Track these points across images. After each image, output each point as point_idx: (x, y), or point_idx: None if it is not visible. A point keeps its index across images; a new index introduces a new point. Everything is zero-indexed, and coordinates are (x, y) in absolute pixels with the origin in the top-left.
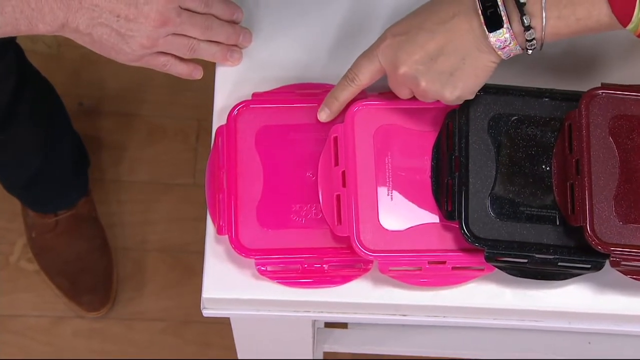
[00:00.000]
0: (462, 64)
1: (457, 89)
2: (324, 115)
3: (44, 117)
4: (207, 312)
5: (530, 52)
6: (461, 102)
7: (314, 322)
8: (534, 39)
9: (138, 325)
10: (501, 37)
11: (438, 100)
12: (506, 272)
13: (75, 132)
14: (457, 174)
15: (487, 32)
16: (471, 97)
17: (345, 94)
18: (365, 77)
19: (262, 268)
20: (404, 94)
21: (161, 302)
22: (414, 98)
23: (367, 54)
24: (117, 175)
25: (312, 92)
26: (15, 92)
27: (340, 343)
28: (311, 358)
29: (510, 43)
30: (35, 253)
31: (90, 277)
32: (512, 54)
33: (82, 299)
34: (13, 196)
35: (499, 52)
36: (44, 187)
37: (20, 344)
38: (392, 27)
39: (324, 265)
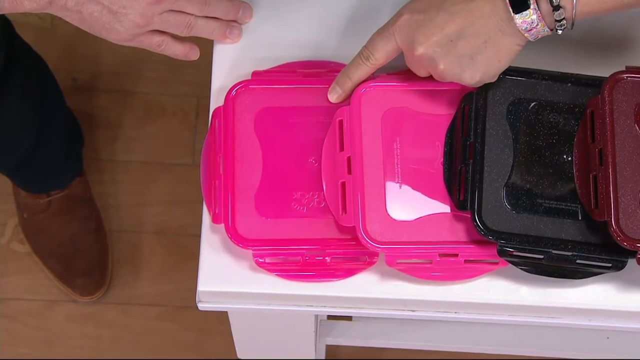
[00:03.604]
0: (483, 47)
1: (478, 73)
2: (335, 96)
3: (36, 93)
4: (202, 306)
5: (560, 32)
6: (481, 85)
7: (317, 315)
8: (563, 19)
9: (133, 311)
10: (527, 18)
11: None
12: (520, 268)
13: (69, 109)
14: (471, 161)
15: (512, 14)
16: (492, 80)
17: (359, 73)
18: (381, 55)
19: (260, 260)
20: (421, 73)
21: (157, 286)
22: (430, 78)
23: (383, 32)
24: (112, 154)
25: (316, 72)
26: (4, 68)
27: (344, 336)
28: (314, 351)
29: (537, 25)
30: (27, 235)
31: (84, 260)
32: (539, 36)
33: (76, 282)
34: (4, 175)
35: (526, 35)
36: (35, 167)
37: (11, 328)
38: (411, 3)
39: (327, 258)
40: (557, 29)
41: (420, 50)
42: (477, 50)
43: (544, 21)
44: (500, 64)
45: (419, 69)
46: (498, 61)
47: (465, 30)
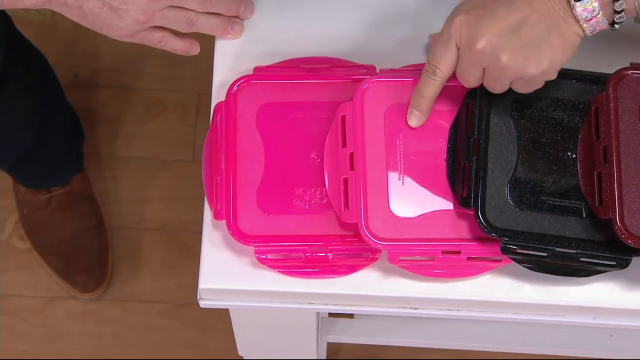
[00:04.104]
0: (547, 35)
1: (543, 63)
2: (415, 120)
3: (36, 90)
4: (204, 303)
5: (617, 26)
6: (540, 85)
7: (318, 312)
8: (623, 10)
9: (134, 308)
10: (589, 6)
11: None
12: (523, 266)
13: (70, 105)
14: (474, 157)
15: (572, 2)
16: (554, 76)
17: (432, 90)
18: (447, 66)
19: (262, 256)
20: (474, 77)
21: (158, 283)
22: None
23: (441, 41)
24: (113, 150)
25: (318, 67)
26: (4, 64)
27: (346, 333)
28: (315, 348)
29: (598, 13)
30: (27, 231)
31: (84, 257)
32: (597, 29)
33: (76, 279)
34: (4, 171)
35: (584, 25)
36: (36, 163)
37: (11, 325)
38: (463, 4)
39: (329, 254)
40: (615, 23)
41: (483, 42)
42: (542, 38)
43: (603, 11)
44: (564, 55)
45: (472, 70)
46: (563, 50)
47: (527, 18)
